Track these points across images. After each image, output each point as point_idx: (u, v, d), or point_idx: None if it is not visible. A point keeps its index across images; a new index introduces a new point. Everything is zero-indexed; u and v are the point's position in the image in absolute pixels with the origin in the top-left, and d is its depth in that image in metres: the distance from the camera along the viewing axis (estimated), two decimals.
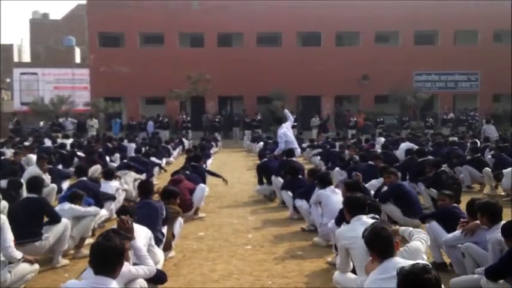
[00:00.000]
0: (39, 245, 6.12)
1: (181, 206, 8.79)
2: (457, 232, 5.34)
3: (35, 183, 6.56)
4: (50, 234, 6.22)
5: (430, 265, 3.13)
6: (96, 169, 12.77)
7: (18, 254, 5.17)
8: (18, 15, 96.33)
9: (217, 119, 26.85)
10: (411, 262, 3.14)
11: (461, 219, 5.45)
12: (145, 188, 6.63)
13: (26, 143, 17.07)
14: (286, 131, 12.07)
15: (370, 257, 3.83)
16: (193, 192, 9.10)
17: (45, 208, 6.35)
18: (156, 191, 7.42)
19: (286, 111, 13.20)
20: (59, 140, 18.63)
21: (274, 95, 28.42)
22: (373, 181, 8.86)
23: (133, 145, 17.39)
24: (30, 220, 6.14)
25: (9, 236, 5.10)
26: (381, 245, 3.65)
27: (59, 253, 6.37)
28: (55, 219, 6.31)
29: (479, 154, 12.07)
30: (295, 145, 12.22)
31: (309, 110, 29.29)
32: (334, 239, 6.14)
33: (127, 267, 4.20)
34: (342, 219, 5.86)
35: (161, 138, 22.21)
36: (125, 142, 18.52)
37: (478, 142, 15.97)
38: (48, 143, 18.28)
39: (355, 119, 26.96)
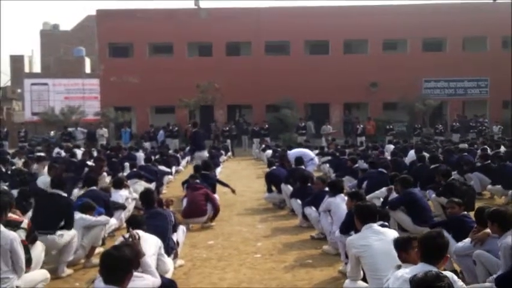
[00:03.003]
0: (52, 239, 6.20)
1: (194, 211, 8.89)
2: (467, 241, 5.29)
3: (60, 181, 6.80)
4: (65, 233, 6.32)
5: (443, 273, 3.12)
6: (102, 177, 12.70)
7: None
8: (28, 26, 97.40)
9: (231, 127, 26.67)
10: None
11: (474, 228, 5.40)
12: (147, 197, 6.64)
13: (40, 154, 17.14)
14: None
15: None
16: (210, 199, 9.15)
17: (69, 210, 6.50)
18: (165, 201, 7.40)
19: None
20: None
21: (282, 103, 28.43)
22: (384, 189, 8.81)
23: (142, 154, 17.40)
24: (51, 214, 6.31)
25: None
26: (430, 248, 3.71)
27: (64, 263, 6.41)
28: (70, 224, 6.43)
29: (489, 161, 11.98)
30: (312, 155, 12.64)
31: (317, 118, 29.24)
32: (341, 247, 6.13)
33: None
34: (348, 227, 5.86)
35: (169, 147, 22.28)
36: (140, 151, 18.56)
37: (488, 149, 15.83)
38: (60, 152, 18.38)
39: (362, 126, 26.87)
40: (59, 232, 6.28)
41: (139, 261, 4.38)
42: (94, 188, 8.42)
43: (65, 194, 6.77)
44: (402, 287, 3.55)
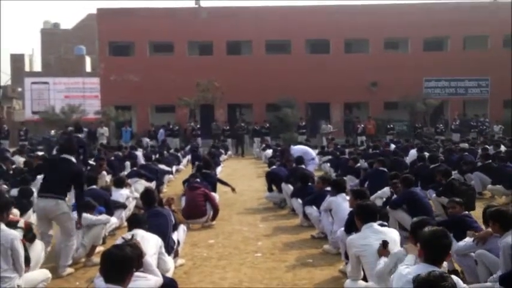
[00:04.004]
0: (58, 204, 6.23)
1: (193, 212, 8.89)
2: (469, 240, 5.29)
3: (69, 146, 6.82)
4: (71, 212, 6.37)
5: (447, 273, 3.12)
6: (102, 175, 12.66)
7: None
8: (29, 25, 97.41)
9: (239, 125, 26.39)
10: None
11: (470, 230, 5.40)
12: (148, 197, 6.64)
13: (39, 153, 17.15)
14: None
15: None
16: (208, 199, 9.14)
17: (79, 174, 6.54)
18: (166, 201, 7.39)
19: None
20: None
21: (283, 102, 28.42)
22: (386, 189, 8.79)
23: (140, 153, 17.30)
24: (61, 177, 6.35)
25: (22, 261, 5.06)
26: (435, 248, 3.61)
27: (65, 264, 6.40)
28: (81, 187, 6.51)
29: (490, 160, 11.97)
30: (313, 154, 12.78)
31: (318, 117, 29.24)
32: (343, 247, 6.13)
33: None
34: (351, 226, 5.85)
35: (170, 146, 22.27)
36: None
37: (489, 148, 15.82)
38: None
39: (362, 125, 26.85)
40: (66, 201, 6.33)
41: (142, 261, 4.37)
42: (94, 186, 8.42)
43: (74, 160, 6.71)
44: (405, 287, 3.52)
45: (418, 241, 3.88)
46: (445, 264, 4.10)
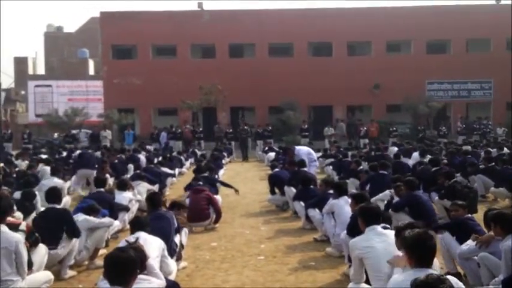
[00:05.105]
0: (54, 253, 6.18)
1: (197, 215, 8.90)
2: (472, 244, 5.28)
3: (54, 194, 6.70)
4: (65, 244, 6.30)
5: (445, 276, 3.12)
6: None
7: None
8: (32, 28, 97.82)
9: (246, 127, 26.21)
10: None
11: (473, 233, 5.39)
12: (153, 200, 6.66)
13: (43, 156, 17.20)
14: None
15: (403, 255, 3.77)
16: (211, 202, 9.15)
17: (68, 221, 6.42)
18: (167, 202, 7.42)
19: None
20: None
21: (285, 105, 28.43)
22: (387, 191, 8.78)
23: (142, 156, 17.32)
24: (51, 229, 6.24)
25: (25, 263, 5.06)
26: (422, 252, 3.55)
27: (67, 266, 6.42)
28: (75, 234, 6.39)
29: (493, 163, 11.96)
30: (315, 157, 12.94)
31: (320, 120, 29.25)
32: (346, 249, 6.13)
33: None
34: (353, 229, 5.85)
35: (172, 149, 22.28)
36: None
37: (492, 151, 15.79)
38: (63, 154, 18.44)
39: (365, 128, 26.84)
40: (61, 244, 6.26)
41: (145, 264, 4.39)
42: (101, 189, 8.46)
43: (61, 207, 6.75)
44: None
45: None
46: (437, 267, 4.07)
